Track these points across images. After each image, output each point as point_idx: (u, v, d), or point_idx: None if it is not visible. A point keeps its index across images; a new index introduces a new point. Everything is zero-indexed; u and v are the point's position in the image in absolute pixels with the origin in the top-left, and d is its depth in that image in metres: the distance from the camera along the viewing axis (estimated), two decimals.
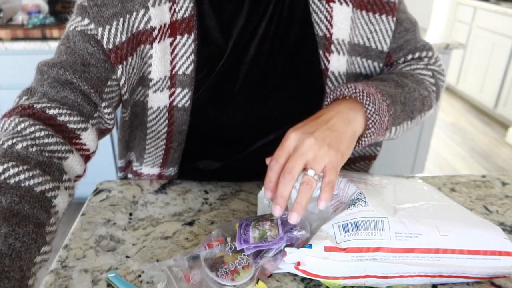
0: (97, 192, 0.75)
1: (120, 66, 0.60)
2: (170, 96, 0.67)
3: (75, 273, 0.56)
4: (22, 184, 0.45)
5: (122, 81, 0.61)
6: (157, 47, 0.62)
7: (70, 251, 0.60)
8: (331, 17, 0.68)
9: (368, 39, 0.70)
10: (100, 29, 0.58)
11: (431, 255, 0.52)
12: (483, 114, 3.73)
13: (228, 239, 0.57)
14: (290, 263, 0.53)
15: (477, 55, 3.74)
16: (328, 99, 0.62)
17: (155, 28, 0.61)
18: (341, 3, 0.67)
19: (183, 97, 0.67)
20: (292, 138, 0.53)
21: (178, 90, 0.67)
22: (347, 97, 0.59)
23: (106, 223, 0.67)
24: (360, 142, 0.58)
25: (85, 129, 0.57)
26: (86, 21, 0.59)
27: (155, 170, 0.78)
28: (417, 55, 0.74)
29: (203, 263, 0.54)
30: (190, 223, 0.67)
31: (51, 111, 0.53)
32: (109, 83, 0.61)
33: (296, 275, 0.56)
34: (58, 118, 0.54)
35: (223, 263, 0.54)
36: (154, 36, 0.62)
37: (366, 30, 0.70)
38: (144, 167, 0.78)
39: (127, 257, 0.59)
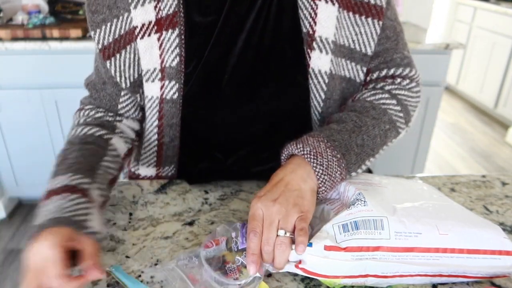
0: None
1: (107, 62, 0.70)
2: (161, 88, 0.71)
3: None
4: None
5: (113, 72, 0.71)
6: (140, 43, 0.69)
7: None
8: (316, 14, 0.68)
9: (353, 41, 0.70)
10: (92, 33, 0.69)
11: (431, 255, 0.52)
12: (483, 114, 3.72)
13: (233, 234, 0.57)
14: (291, 262, 0.53)
15: (477, 55, 3.73)
16: (283, 155, 0.63)
17: (137, 26, 0.68)
18: (326, 1, 0.68)
19: (170, 89, 0.70)
20: (259, 207, 0.55)
21: (167, 82, 0.70)
22: (298, 155, 0.61)
23: (106, 223, 0.67)
24: (318, 197, 0.60)
25: (109, 138, 0.72)
26: (92, 35, 0.70)
27: (152, 171, 0.78)
28: (391, 71, 0.74)
29: (203, 262, 0.54)
30: (190, 223, 0.67)
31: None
32: (122, 93, 0.74)
33: (296, 275, 0.56)
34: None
35: (225, 262, 0.54)
36: (136, 33, 0.69)
37: (351, 32, 0.70)
38: (141, 166, 0.78)
39: (127, 257, 0.59)
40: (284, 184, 0.57)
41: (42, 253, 0.50)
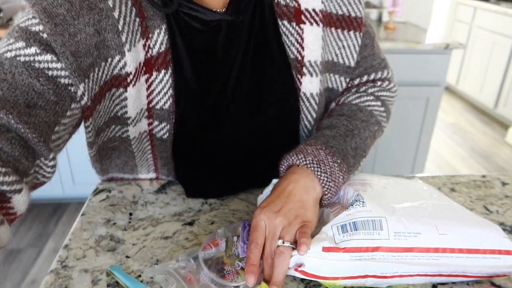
0: (97, 192, 0.75)
1: (90, 119, 0.56)
2: (149, 124, 0.66)
3: (75, 273, 0.56)
4: None
5: (89, 129, 0.57)
6: (131, 90, 0.59)
7: (70, 251, 0.60)
8: (302, 39, 0.67)
9: (337, 55, 0.71)
10: (82, 85, 0.52)
11: (431, 254, 0.52)
12: (483, 114, 3.72)
13: (235, 238, 0.57)
14: (292, 265, 0.53)
15: (477, 55, 3.73)
16: (283, 166, 0.63)
17: (131, 73, 0.57)
18: (311, 24, 0.67)
19: (161, 130, 0.66)
20: (262, 218, 0.55)
21: (156, 122, 0.65)
22: (300, 166, 0.61)
23: (106, 223, 0.67)
24: (321, 204, 0.60)
25: (19, 191, 0.46)
26: (33, 49, 0.49)
27: (152, 175, 0.78)
28: (372, 76, 0.75)
29: (202, 263, 0.54)
30: (190, 223, 0.67)
31: None
32: (56, 128, 0.52)
33: None
34: None
35: (223, 263, 0.54)
36: (129, 81, 0.58)
37: (335, 47, 0.70)
38: (140, 174, 0.78)
39: (127, 257, 0.59)
40: (287, 195, 0.57)
41: None
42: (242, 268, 0.53)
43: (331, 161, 0.60)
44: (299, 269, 0.52)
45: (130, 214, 0.69)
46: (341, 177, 0.61)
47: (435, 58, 2.00)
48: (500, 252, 0.53)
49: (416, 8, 2.51)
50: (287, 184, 0.58)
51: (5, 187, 0.44)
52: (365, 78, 0.75)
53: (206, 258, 0.55)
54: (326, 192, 0.60)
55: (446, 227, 0.53)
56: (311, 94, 0.70)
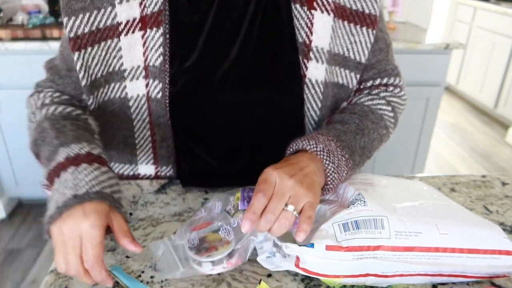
0: None
1: (76, 53, 0.68)
2: (146, 86, 0.70)
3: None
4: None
5: (78, 66, 0.68)
6: (124, 40, 0.68)
7: None
8: (312, 24, 0.69)
9: (348, 49, 0.72)
10: (65, 19, 0.66)
11: (431, 254, 0.52)
12: (483, 114, 3.72)
13: (231, 198, 0.57)
14: (291, 260, 0.53)
15: (477, 55, 3.73)
16: (291, 149, 0.63)
17: (121, 23, 0.67)
18: (322, 11, 0.68)
19: (154, 88, 0.70)
20: (274, 174, 0.54)
21: (151, 81, 0.70)
22: (309, 151, 0.61)
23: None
24: (322, 193, 0.60)
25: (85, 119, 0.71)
26: (64, 21, 0.67)
27: (151, 169, 0.78)
28: (385, 80, 0.76)
29: (186, 244, 0.55)
30: None
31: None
32: None
33: (296, 274, 0.56)
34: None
35: (205, 242, 0.55)
36: (120, 30, 0.67)
37: (346, 41, 0.71)
38: (140, 165, 0.78)
39: (127, 257, 0.59)
40: (300, 167, 0.56)
41: (85, 231, 0.50)
42: (224, 244, 0.53)
43: (340, 154, 0.61)
44: (301, 266, 0.52)
45: (130, 214, 0.69)
46: (345, 172, 0.61)
47: (435, 58, 2.00)
48: (500, 252, 0.53)
49: (416, 8, 2.51)
50: (299, 161, 0.58)
51: (75, 112, 0.71)
52: (378, 81, 0.76)
53: (191, 239, 0.56)
54: (329, 183, 0.60)
55: (447, 227, 0.54)
56: (316, 81, 0.71)
